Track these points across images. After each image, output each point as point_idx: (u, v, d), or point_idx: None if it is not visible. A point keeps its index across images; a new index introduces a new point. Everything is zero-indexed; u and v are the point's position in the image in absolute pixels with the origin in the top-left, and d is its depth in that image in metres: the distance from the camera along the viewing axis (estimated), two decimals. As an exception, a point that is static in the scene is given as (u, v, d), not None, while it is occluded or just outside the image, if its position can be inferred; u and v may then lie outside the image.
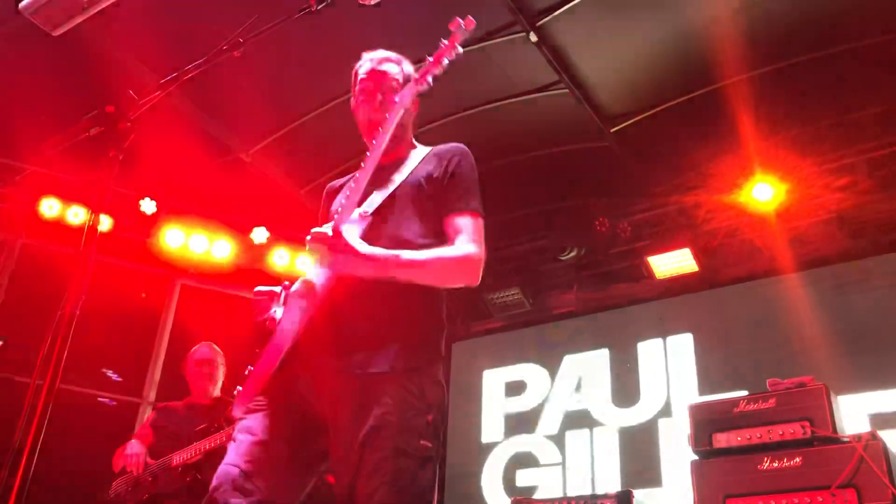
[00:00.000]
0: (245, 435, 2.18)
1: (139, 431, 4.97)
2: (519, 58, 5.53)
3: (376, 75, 2.53)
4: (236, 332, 4.91)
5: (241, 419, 2.23)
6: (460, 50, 2.15)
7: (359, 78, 2.56)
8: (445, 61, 2.27)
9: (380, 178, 2.36)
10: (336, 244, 2.10)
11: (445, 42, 2.15)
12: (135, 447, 4.67)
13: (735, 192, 6.24)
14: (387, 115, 2.36)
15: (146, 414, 7.05)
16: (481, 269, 2.31)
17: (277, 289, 2.24)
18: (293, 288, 2.16)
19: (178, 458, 4.50)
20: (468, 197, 2.37)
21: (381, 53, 2.60)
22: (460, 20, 2.13)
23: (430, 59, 2.15)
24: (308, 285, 2.15)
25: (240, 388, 2.17)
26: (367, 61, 2.58)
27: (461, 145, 2.47)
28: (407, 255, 2.18)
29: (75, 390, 6.77)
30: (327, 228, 2.12)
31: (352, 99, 2.57)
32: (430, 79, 2.27)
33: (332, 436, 2.13)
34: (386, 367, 2.13)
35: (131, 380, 7.23)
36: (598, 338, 6.92)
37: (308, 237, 2.12)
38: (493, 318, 7.48)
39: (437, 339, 2.30)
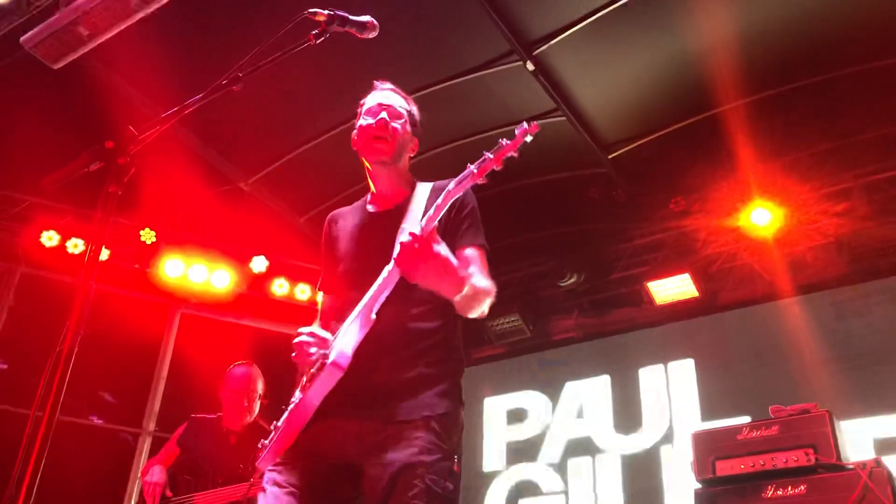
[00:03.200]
0: (275, 486, 2.22)
1: (166, 447, 4.71)
2: (516, 86, 5.56)
3: (384, 100, 2.57)
4: (236, 360, 4.86)
5: (269, 471, 2.27)
6: (517, 154, 2.17)
7: (366, 105, 2.59)
8: (504, 159, 2.25)
9: (392, 223, 2.38)
10: (428, 252, 2.08)
11: (508, 142, 2.15)
12: (155, 475, 4.42)
13: (734, 216, 6.26)
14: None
15: (146, 444, 7.01)
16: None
17: (325, 335, 2.27)
18: (332, 357, 2.18)
19: (200, 502, 4.36)
20: (476, 231, 2.44)
21: (389, 85, 2.65)
22: (526, 126, 2.16)
23: (491, 155, 2.14)
24: (345, 358, 2.19)
25: (266, 442, 2.26)
26: (377, 91, 2.62)
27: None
28: (471, 276, 2.23)
29: (75, 421, 6.74)
30: (410, 236, 2.08)
31: (355, 130, 2.58)
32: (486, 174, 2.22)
33: (363, 480, 2.18)
34: (416, 416, 2.20)
35: (131, 410, 7.20)
36: (600, 364, 6.89)
37: (399, 246, 2.09)
38: (493, 345, 7.46)
39: (460, 386, 2.37)
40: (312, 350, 2.24)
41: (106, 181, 1.85)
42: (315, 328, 2.32)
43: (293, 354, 2.26)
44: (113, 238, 6.76)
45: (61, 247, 6.65)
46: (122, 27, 4.27)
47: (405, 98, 2.63)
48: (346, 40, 2.40)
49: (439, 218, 2.17)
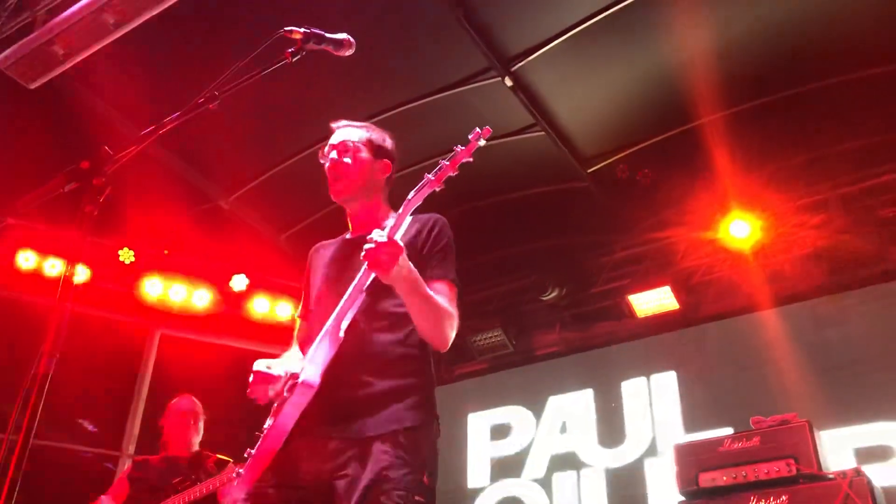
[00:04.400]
0: None
1: (115, 485, 4.81)
2: (495, 102, 5.59)
3: (336, 139, 2.64)
4: (217, 381, 4.85)
5: (243, 499, 2.27)
6: (471, 159, 2.25)
7: (327, 146, 2.65)
8: (459, 164, 2.30)
9: (360, 249, 2.40)
10: (395, 252, 2.14)
11: (462, 148, 2.24)
12: (104, 503, 4.53)
13: (712, 229, 6.30)
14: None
15: (126, 467, 6.92)
16: (453, 337, 2.41)
17: (277, 371, 2.29)
18: (302, 377, 2.20)
19: None
20: (447, 266, 2.47)
21: (345, 122, 2.71)
22: (479, 130, 2.24)
23: (447, 162, 2.23)
24: (315, 376, 2.21)
25: (240, 470, 2.27)
26: (335, 131, 2.69)
27: (438, 215, 2.55)
28: (426, 287, 2.29)
29: (52, 445, 6.63)
30: (381, 236, 2.14)
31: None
32: (443, 181, 2.29)
33: (334, 497, 2.18)
34: (383, 430, 2.21)
35: (110, 432, 7.11)
36: (582, 378, 6.89)
37: (367, 244, 2.15)
38: (476, 361, 7.44)
39: (432, 398, 2.39)
40: (265, 392, 2.26)
41: (82, 201, 1.83)
42: (269, 364, 2.32)
43: (248, 391, 2.27)
44: (91, 258, 6.71)
45: (38, 269, 6.58)
46: (99, 46, 4.25)
47: (361, 128, 2.68)
48: (325, 58, 2.40)
49: (403, 227, 2.23)
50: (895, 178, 5.90)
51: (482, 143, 2.24)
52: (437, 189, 2.24)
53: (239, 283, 7.27)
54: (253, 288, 7.35)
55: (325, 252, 2.67)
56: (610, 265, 7.05)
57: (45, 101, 5.07)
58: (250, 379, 2.28)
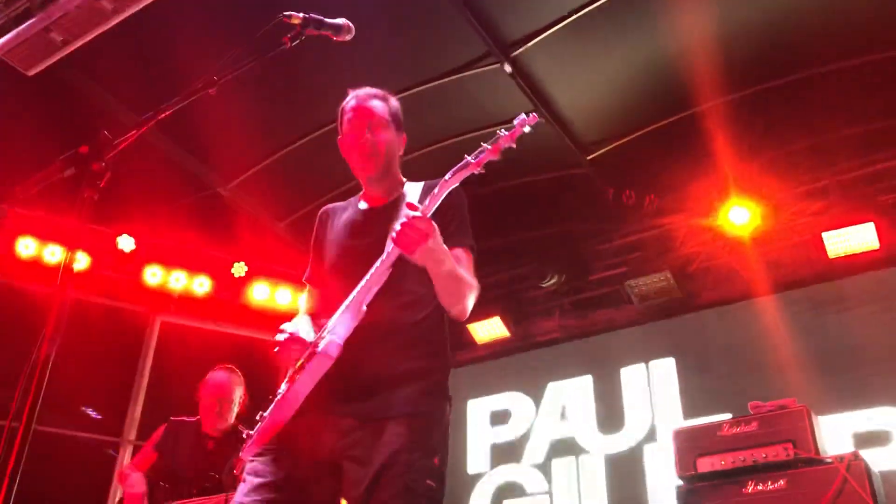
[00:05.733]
0: (254, 476, 2.21)
1: (143, 451, 4.68)
2: (494, 88, 5.58)
3: (363, 111, 2.52)
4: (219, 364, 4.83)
5: (250, 461, 2.26)
6: (514, 145, 2.19)
7: (346, 116, 2.55)
8: (502, 150, 2.24)
9: (383, 219, 2.37)
10: (428, 230, 2.10)
11: (506, 133, 2.17)
12: (136, 485, 4.36)
13: (712, 215, 6.30)
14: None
15: (127, 453, 6.94)
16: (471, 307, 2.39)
17: (306, 335, 2.27)
18: (322, 347, 2.17)
19: None
20: (464, 232, 2.43)
21: (366, 90, 2.60)
22: (525, 117, 2.17)
23: (489, 146, 2.16)
24: (335, 347, 2.18)
25: (250, 432, 2.25)
26: (353, 98, 2.58)
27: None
28: (453, 261, 2.26)
29: (54, 431, 6.65)
30: (415, 213, 2.10)
31: (339, 136, 2.57)
32: (483, 165, 2.24)
33: (343, 476, 2.17)
34: (398, 412, 2.19)
35: (111, 418, 7.13)
36: (582, 364, 6.91)
37: (402, 219, 2.10)
38: (476, 347, 7.46)
39: (446, 382, 2.39)
40: (294, 354, 2.23)
41: (81, 187, 1.83)
42: (298, 327, 2.30)
43: (276, 349, 2.25)
44: (91, 245, 6.71)
45: (38, 257, 6.58)
46: (97, 32, 4.24)
47: (384, 98, 2.59)
48: (324, 44, 2.39)
49: (437, 205, 2.18)
50: (895, 165, 5.91)
51: (527, 129, 2.18)
52: (477, 172, 2.18)
53: (239, 269, 7.28)
54: (252, 275, 7.36)
55: (336, 218, 2.60)
56: (609, 252, 7.06)
57: (43, 88, 5.05)
58: (281, 338, 2.25)
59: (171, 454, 4.55)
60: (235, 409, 4.65)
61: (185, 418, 4.71)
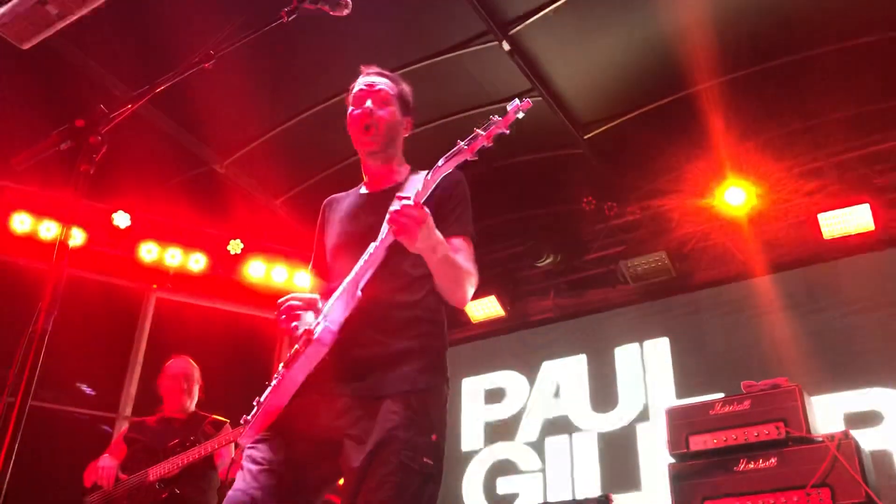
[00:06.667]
0: (252, 463, 2.22)
1: (112, 446, 4.88)
2: (492, 67, 5.55)
3: (369, 85, 2.56)
4: (212, 343, 4.87)
5: (248, 447, 2.27)
6: (507, 131, 2.17)
7: (353, 90, 2.58)
8: (495, 136, 2.21)
9: (382, 203, 2.36)
10: (421, 218, 2.09)
11: (499, 118, 2.15)
12: (106, 461, 4.57)
13: (708, 196, 6.31)
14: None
15: (123, 428, 6.97)
16: (472, 295, 2.41)
17: (312, 297, 2.31)
18: (317, 334, 2.17)
19: (154, 473, 4.44)
20: (465, 221, 2.44)
21: (376, 69, 2.63)
22: (519, 102, 2.16)
23: (482, 132, 2.13)
24: (330, 333, 2.18)
25: (248, 417, 2.25)
26: (363, 75, 2.61)
27: (457, 170, 2.46)
28: (448, 249, 2.26)
29: (49, 407, 6.67)
30: (407, 202, 2.09)
31: (349, 113, 2.57)
32: (476, 151, 2.21)
33: (342, 458, 2.18)
34: (394, 390, 2.20)
35: (107, 394, 7.15)
36: (576, 343, 6.95)
37: (393, 207, 2.09)
38: (471, 326, 7.48)
39: (443, 361, 2.39)
40: (299, 313, 2.25)
41: (77, 160, 1.83)
42: (303, 295, 2.32)
43: (281, 317, 2.25)
44: (87, 222, 6.70)
45: (33, 233, 6.56)
46: (92, 6, 4.20)
47: (393, 79, 2.61)
48: (321, 20, 2.38)
49: (430, 191, 2.17)
50: (890, 146, 5.91)
51: (521, 115, 2.17)
52: (470, 159, 2.17)
53: (235, 247, 7.28)
54: (248, 252, 7.36)
55: (339, 206, 2.62)
56: (605, 232, 7.07)
57: (38, 62, 5.02)
58: (286, 303, 2.26)
59: (141, 439, 4.72)
60: (196, 391, 4.92)
61: (145, 418, 4.96)
